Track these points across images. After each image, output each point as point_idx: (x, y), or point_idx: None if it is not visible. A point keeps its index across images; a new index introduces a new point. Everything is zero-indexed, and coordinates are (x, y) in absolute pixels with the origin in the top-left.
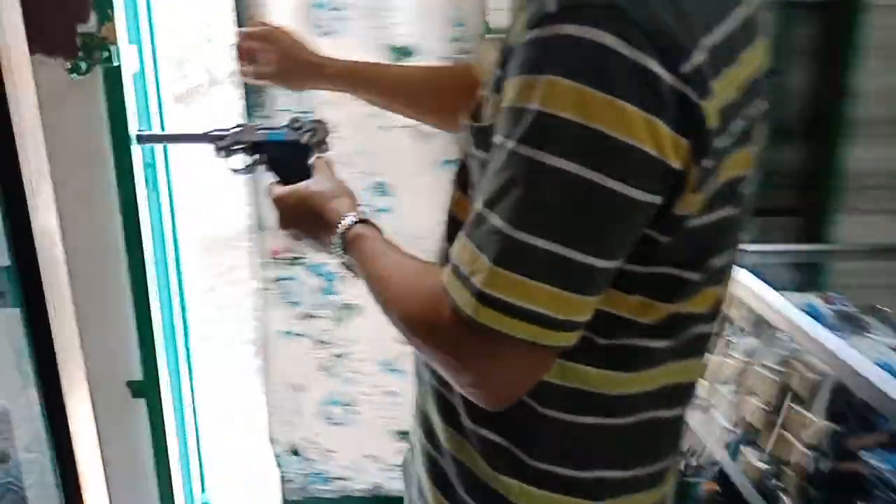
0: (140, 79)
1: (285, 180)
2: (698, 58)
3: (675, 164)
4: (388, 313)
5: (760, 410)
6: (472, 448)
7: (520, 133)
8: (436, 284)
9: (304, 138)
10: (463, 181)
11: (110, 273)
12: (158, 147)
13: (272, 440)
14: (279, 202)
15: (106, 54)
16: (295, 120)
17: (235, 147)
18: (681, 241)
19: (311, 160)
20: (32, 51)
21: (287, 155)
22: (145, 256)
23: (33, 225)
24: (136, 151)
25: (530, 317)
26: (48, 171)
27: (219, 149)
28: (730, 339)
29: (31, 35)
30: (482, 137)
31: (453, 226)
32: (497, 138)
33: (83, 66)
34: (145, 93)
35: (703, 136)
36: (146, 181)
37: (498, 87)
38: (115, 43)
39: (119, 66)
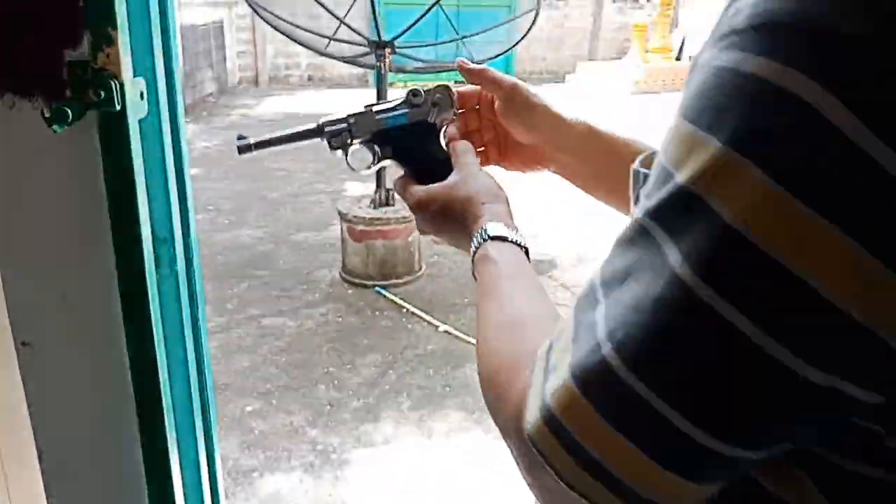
0: (152, 126)
1: (416, 172)
2: None
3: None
4: (477, 361)
5: None
6: None
7: (681, 239)
8: (527, 351)
9: (431, 116)
10: None
11: (111, 403)
12: (176, 219)
13: None
14: (418, 208)
15: (104, 94)
16: (414, 94)
17: (353, 141)
18: None
19: (444, 140)
20: None
21: (414, 141)
22: (162, 393)
23: None
24: (146, 225)
25: (596, 470)
26: None
27: (333, 147)
28: None
29: None
30: None
31: None
32: (641, 208)
33: (69, 112)
34: (161, 145)
35: None
36: (158, 264)
37: None
38: (117, 76)
39: (123, 111)
